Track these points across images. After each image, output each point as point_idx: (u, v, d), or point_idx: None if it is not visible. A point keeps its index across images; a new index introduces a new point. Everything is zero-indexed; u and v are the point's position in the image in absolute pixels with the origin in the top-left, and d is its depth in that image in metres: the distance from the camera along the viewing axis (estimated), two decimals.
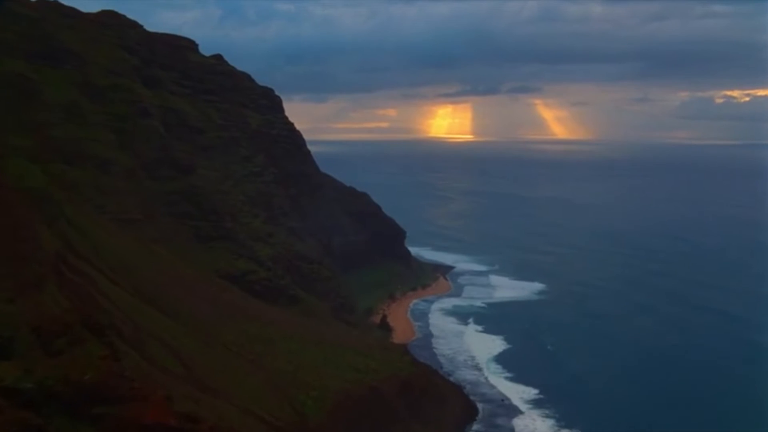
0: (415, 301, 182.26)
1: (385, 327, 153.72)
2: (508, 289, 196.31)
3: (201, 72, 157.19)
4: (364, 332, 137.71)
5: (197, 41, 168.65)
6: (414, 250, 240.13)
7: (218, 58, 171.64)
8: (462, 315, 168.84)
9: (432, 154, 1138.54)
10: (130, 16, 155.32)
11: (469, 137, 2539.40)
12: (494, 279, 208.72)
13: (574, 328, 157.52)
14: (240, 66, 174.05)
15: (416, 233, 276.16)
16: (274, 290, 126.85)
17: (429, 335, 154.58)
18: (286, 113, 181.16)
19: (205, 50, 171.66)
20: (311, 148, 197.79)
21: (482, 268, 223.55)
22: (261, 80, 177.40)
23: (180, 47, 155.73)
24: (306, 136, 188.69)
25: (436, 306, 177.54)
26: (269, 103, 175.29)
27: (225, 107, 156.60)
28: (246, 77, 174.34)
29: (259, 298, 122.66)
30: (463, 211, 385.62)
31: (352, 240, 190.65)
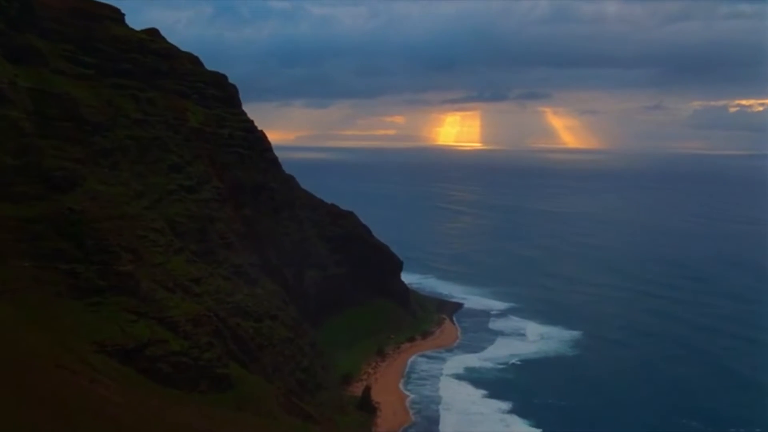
0: (412, 357, 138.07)
1: (367, 406, 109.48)
2: (533, 338, 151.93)
3: (119, 48, 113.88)
4: (332, 425, 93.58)
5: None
6: (414, 280, 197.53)
7: (152, 33, 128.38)
8: (477, 382, 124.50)
9: (440, 162, 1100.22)
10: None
11: (477, 145, 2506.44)
12: (515, 323, 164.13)
13: (631, 411, 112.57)
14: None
15: (418, 256, 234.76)
16: (192, 370, 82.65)
17: (430, 418, 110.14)
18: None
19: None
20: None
21: (498, 305, 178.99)
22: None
23: (89, 14, 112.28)
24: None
25: (440, 366, 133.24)
26: (220, 93, 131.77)
27: (149, 96, 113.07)
28: (190, 59, 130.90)
29: (166, 384, 79.00)
30: (472, 227, 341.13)
31: (330, 274, 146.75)
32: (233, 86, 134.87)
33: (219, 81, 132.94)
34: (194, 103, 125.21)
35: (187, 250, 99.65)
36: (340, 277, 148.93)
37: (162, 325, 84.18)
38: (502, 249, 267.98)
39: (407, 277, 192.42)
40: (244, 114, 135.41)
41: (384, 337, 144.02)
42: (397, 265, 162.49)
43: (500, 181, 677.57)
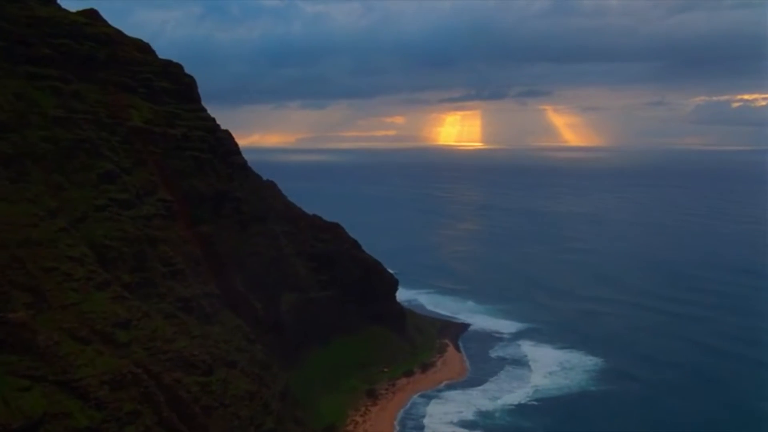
0: (410, 397, 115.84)
1: None
2: (551, 368, 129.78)
3: (43, 31, 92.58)
4: None
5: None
6: (411, 296, 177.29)
7: (90, 14, 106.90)
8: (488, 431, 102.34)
9: (441, 162, 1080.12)
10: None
11: (478, 145, 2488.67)
12: (528, 348, 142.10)
13: None
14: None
15: (416, 267, 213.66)
16: None
17: None
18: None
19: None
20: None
21: (508, 326, 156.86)
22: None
23: None
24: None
25: (443, 409, 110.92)
26: (174, 86, 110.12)
27: (74, 89, 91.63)
28: (137, 45, 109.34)
29: None
30: (475, 232, 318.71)
31: (312, 298, 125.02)
32: (190, 78, 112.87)
33: (172, 72, 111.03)
34: (140, 98, 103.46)
35: (117, 284, 77.66)
36: (324, 301, 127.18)
37: (66, 391, 62.41)
38: (507, 257, 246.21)
39: (404, 293, 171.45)
40: (204, 110, 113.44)
41: (376, 372, 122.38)
42: (392, 285, 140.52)
43: (502, 182, 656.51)
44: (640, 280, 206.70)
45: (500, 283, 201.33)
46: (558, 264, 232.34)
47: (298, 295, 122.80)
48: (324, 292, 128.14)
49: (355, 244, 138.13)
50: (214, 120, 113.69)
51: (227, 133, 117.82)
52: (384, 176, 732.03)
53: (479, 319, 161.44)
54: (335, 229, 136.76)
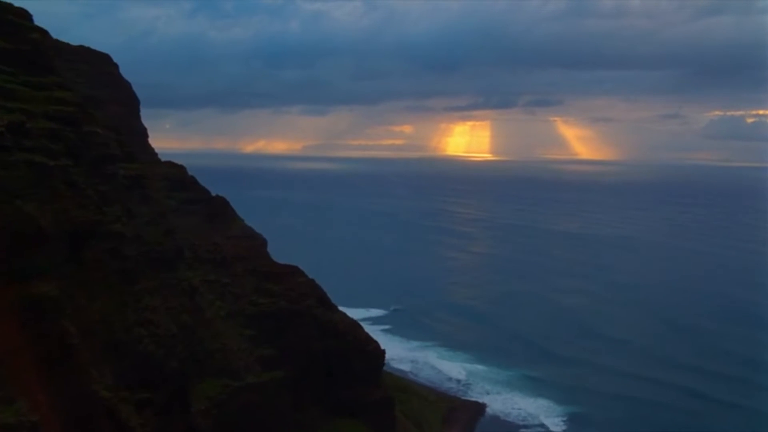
0: None
1: None
2: None
3: None
4: None
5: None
6: (406, 352, 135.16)
7: None
8: None
9: (449, 174, 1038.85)
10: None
11: (487, 156, 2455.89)
12: None
13: None
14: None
15: (414, 308, 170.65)
16: None
17: None
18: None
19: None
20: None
21: (539, 408, 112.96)
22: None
23: None
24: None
25: None
26: (11, 46, 66.96)
27: None
28: None
29: None
30: (487, 258, 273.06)
31: (248, 385, 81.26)
32: (41, 32, 69.46)
33: (11, 22, 67.72)
34: None
35: None
36: (268, 388, 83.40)
37: None
38: (527, 294, 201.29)
39: (396, 347, 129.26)
40: (66, 87, 69.60)
41: None
42: (376, 361, 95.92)
43: (514, 196, 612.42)
44: (668, 344, 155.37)
45: (520, 334, 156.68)
46: (591, 303, 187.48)
47: (225, 383, 79.11)
48: (268, 374, 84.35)
49: (322, 298, 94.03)
50: (79, 104, 69.29)
51: (111, 126, 74.18)
52: (389, 187, 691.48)
53: (498, 397, 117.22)
54: (291, 276, 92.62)
